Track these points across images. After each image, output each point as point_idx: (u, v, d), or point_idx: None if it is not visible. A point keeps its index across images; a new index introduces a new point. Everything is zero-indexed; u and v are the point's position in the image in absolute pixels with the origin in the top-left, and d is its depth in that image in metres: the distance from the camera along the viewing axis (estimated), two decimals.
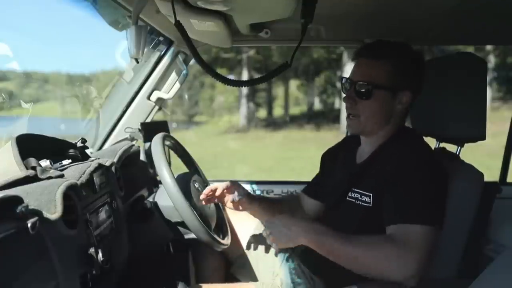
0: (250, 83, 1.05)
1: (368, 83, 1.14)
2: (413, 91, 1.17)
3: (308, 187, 1.48)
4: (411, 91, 1.16)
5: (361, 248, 1.02)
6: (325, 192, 1.38)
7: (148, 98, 1.71)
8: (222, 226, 1.42)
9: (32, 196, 0.71)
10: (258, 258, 1.41)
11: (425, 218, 1.04)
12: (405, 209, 1.05)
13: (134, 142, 1.67)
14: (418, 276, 1.00)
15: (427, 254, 1.02)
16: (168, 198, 1.16)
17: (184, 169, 1.51)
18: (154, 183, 1.59)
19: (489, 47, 8.62)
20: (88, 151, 1.21)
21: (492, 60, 9.86)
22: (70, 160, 1.01)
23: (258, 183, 1.84)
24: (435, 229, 1.05)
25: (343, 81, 1.21)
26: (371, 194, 1.14)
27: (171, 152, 1.52)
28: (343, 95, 1.22)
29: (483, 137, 1.27)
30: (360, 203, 1.16)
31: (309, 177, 1.51)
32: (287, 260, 1.32)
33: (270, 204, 1.41)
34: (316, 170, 1.47)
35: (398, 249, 1.00)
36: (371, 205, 1.13)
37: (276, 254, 1.29)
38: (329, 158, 1.44)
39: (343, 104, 1.22)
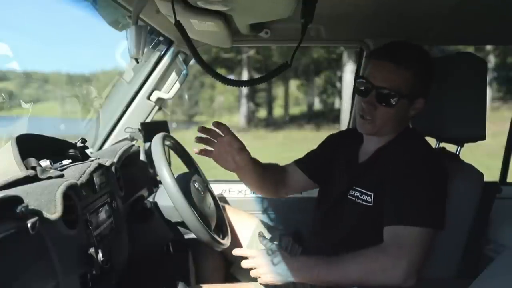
0: (250, 83, 1.04)
1: (391, 90, 1.11)
2: (426, 97, 1.17)
3: (301, 160, 1.44)
4: (425, 98, 1.16)
5: (356, 267, 1.04)
6: (316, 171, 1.37)
7: (148, 98, 1.71)
8: (222, 226, 1.42)
9: (32, 196, 0.71)
10: None
11: (424, 219, 1.04)
12: (403, 210, 1.06)
13: (134, 142, 1.66)
14: (416, 276, 1.01)
15: (423, 255, 1.04)
16: (168, 198, 1.16)
17: (184, 169, 1.51)
18: (154, 183, 1.59)
19: (489, 47, 8.60)
20: (88, 151, 1.20)
21: (492, 60, 9.85)
22: (70, 160, 1.01)
23: None
24: (433, 230, 1.06)
25: (359, 82, 1.17)
26: (372, 194, 1.14)
27: (171, 152, 1.52)
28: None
29: (483, 137, 1.27)
30: (361, 201, 1.16)
31: None
32: None
33: (257, 165, 1.33)
34: None
35: (393, 258, 1.02)
36: (371, 204, 1.14)
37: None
38: (332, 144, 1.41)
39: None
